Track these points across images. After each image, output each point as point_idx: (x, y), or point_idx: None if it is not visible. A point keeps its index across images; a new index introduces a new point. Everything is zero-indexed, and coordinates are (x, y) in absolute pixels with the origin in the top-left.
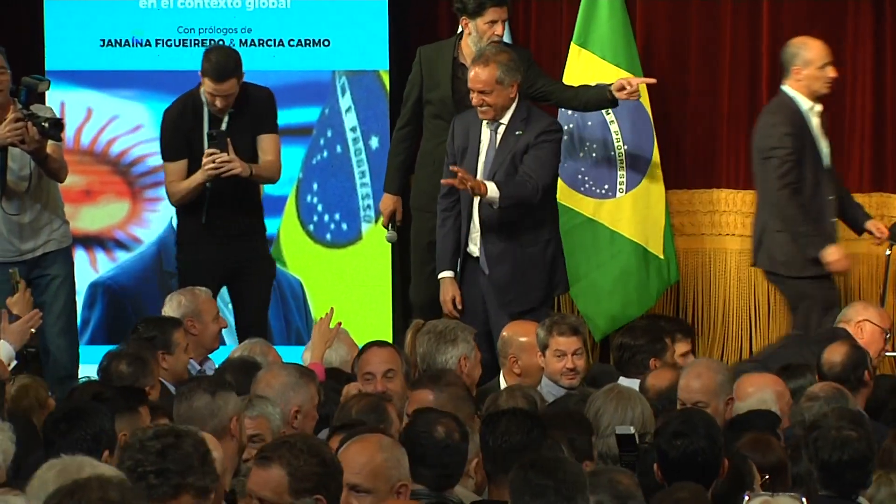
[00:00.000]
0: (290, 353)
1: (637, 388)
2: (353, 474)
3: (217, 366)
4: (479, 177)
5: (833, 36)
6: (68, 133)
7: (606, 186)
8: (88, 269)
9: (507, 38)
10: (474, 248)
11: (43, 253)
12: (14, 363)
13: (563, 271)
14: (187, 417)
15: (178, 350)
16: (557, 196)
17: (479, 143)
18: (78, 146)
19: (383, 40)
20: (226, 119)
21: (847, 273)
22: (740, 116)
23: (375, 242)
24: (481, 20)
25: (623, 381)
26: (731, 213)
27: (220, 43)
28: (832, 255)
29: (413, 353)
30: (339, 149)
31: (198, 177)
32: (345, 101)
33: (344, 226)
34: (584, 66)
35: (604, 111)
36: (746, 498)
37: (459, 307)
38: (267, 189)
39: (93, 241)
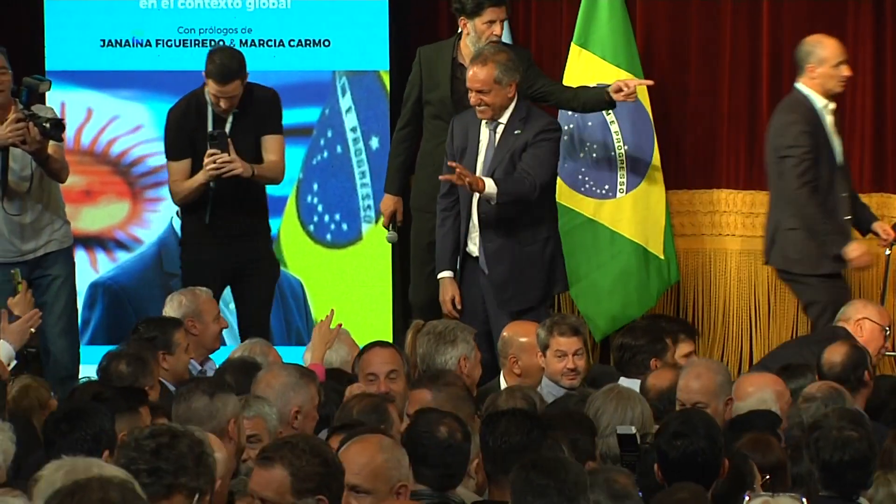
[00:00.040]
0: (291, 354)
1: (638, 389)
2: (353, 475)
3: (218, 366)
4: (478, 175)
5: (833, 36)
6: (68, 133)
7: (607, 187)
8: (89, 270)
9: (507, 39)
10: (473, 248)
11: (44, 253)
12: (14, 363)
13: (563, 270)
14: (185, 419)
15: (178, 350)
16: (558, 197)
17: (479, 142)
18: (78, 146)
19: (383, 40)
20: (230, 119)
21: (869, 268)
22: (740, 116)
23: (376, 243)
24: (479, 20)
25: (624, 381)
26: (732, 213)
27: (221, 43)
28: (854, 251)
29: (413, 354)
30: (339, 149)
31: (200, 177)
32: (345, 102)
33: (344, 226)
34: (584, 67)
35: (604, 112)
36: (747, 498)
37: (459, 307)
38: (267, 189)
39: (93, 242)
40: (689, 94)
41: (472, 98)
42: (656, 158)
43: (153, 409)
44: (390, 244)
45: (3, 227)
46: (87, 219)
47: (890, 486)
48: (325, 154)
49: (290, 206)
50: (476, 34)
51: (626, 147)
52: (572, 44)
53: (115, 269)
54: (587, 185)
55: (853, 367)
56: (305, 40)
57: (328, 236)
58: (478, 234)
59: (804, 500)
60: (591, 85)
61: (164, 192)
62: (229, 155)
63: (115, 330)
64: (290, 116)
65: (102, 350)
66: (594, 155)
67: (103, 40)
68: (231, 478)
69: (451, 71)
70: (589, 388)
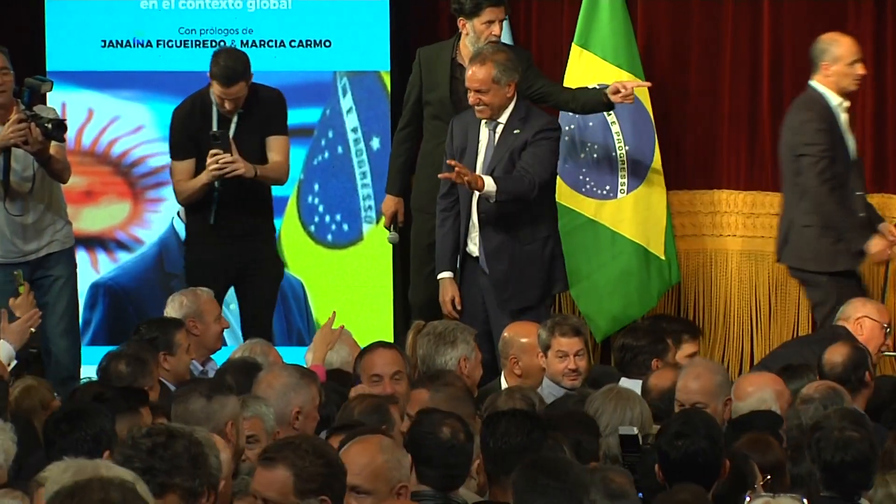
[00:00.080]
0: (292, 354)
1: (639, 389)
2: (354, 475)
3: (219, 366)
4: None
5: None
6: (69, 134)
7: (608, 187)
8: (90, 270)
9: (508, 39)
10: (474, 248)
11: (46, 254)
12: (14, 363)
13: (562, 269)
14: (183, 420)
15: (179, 351)
16: (559, 197)
17: (478, 142)
18: (79, 147)
19: (384, 41)
20: (235, 120)
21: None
22: (741, 117)
23: (376, 243)
24: (478, 20)
25: (625, 381)
26: (732, 213)
27: (222, 44)
28: (877, 245)
29: (414, 355)
30: (340, 149)
31: (203, 177)
32: (346, 102)
33: (345, 226)
34: (585, 67)
35: (605, 112)
36: (748, 499)
37: (458, 308)
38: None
39: (94, 242)
40: (690, 95)
41: (471, 97)
42: (657, 159)
43: (153, 409)
44: (391, 245)
45: (4, 227)
46: (88, 219)
47: (888, 486)
48: (326, 154)
49: (291, 207)
50: (475, 34)
51: (627, 148)
52: (573, 44)
53: (115, 269)
54: (588, 186)
55: (854, 367)
56: (306, 41)
57: (329, 237)
58: (477, 233)
59: (805, 500)
60: (592, 86)
61: (165, 192)
62: (231, 155)
63: (116, 330)
64: (291, 117)
65: (103, 350)
66: (595, 156)
67: (104, 41)
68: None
69: (451, 71)
70: (588, 389)
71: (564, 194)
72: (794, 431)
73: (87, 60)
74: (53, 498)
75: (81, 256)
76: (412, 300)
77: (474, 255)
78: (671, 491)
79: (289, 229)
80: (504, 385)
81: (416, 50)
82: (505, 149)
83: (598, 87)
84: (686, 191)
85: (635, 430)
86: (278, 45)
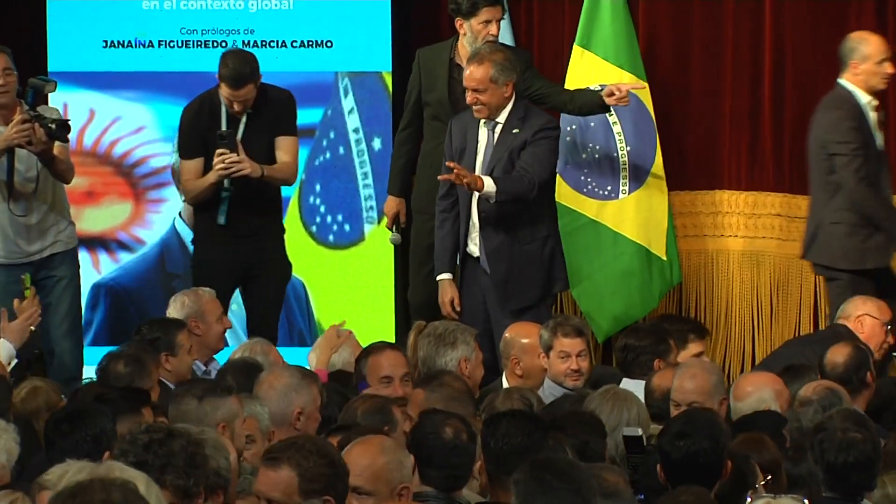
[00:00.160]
0: (293, 355)
1: (641, 390)
2: (355, 476)
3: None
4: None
5: (835, 36)
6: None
7: (609, 188)
8: (91, 271)
9: (509, 40)
10: (474, 248)
11: (50, 254)
12: (14, 361)
13: (563, 268)
14: (177, 421)
15: (181, 352)
16: (560, 198)
17: (477, 142)
18: (80, 147)
19: (386, 41)
20: (243, 120)
21: None
22: (742, 117)
23: (378, 244)
24: (476, 20)
25: (627, 381)
26: (734, 214)
27: (224, 45)
28: None
29: (414, 356)
30: (341, 150)
31: (210, 176)
32: (347, 103)
33: (346, 227)
34: (586, 68)
35: (606, 113)
36: (749, 500)
37: (458, 309)
38: None
39: (95, 243)
40: (691, 95)
41: (469, 97)
42: (658, 160)
43: (154, 409)
44: (393, 245)
45: (8, 228)
46: (90, 220)
47: (885, 487)
48: (328, 155)
49: (293, 207)
50: (472, 34)
51: (628, 149)
52: (575, 45)
53: (117, 269)
54: (589, 187)
55: (855, 367)
56: (308, 41)
57: (330, 237)
58: (478, 233)
59: (806, 501)
60: (594, 86)
61: (167, 193)
62: (238, 155)
63: (118, 331)
64: None
65: (105, 351)
66: (596, 156)
67: (106, 41)
68: None
69: (449, 72)
70: (587, 389)
71: (566, 195)
72: (793, 433)
73: (89, 61)
74: (55, 498)
75: (83, 257)
76: (411, 300)
77: (475, 256)
78: (675, 492)
79: (290, 230)
80: (506, 386)
81: (417, 50)
82: (504, 148)
83: (598, 87)
84: (687, 191)
85: (640, 432)
86: (280, 45)
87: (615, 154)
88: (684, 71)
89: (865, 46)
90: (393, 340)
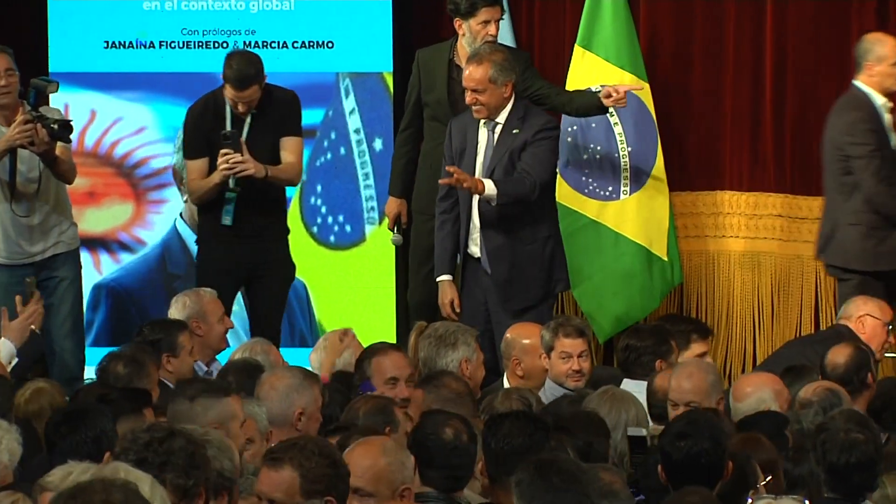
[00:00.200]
0: (294, 355)
1: (643, 390)
2: (356, 478)
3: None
4: (477, 176)
5: (836, 36)
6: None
7: (610, 188)
8: (92, 271)
9: (510, 41)
10: (475, 249)
11: (52, 255)
12: (15, 360)
13: (564, 268)
14: (173, 422)
15: (182, 353)
16: (562, 198)
17: (477, 143)
18: (82, 148)
19: (387, 42)
20: (248, 120)
21: None
22: (744, 117)
23: (379, 244)
24: (474, 21)
25: (628, 382)
26: (735, 214)
27: (225, 45)
28: None
29: (415, 357)
30: (342, 151)
31: (215, 176)
32: (348, 103)
33: (347, 227)
34: (587, 68)
35: (608, 114)
36: (750, 500)
37: (458, 310)
38: None
39: (97, 243)
40: (693, 95)
41: (468, 97)
42: (660, 160)
43: (154, 410)
44: (394, 246)
45: (10, 228)
46: (91, 220)
47: (885, 488)
48: (329, 156)
49: (294, 208)
50: (471, 35)
51: (629, 149)
52: (576, 45)
53: (118, 270)
54: (591, 187)
55: (856, 368)
56: (309, 42)
57: (331, 238)
58: (479, 234)
59: (807, 502)
60: (595, 87)
61: (168, 193)
62: (242, 155)
63: (119, 332)
64: None
65: (106, 352)
66: (598, 157)
67: (107, 42)
68: None
69: (448, 72)
70: (587, 390)
71: (567, 195)
72: (794, 434)
73: (90, 62)
74: (56, 499)
75: (84, 257)
76: (410, 301)
77: (476, 256)
78: (680, 493)
79: (291, 230)
80: (507, 386)
81: (416, 51)
82: (504, 149)
83: (598, 88)
84: (689, 192)
85: (644, 432)
86: (281, 46)
87: (616, 155)
88: (685, 71)
89: (881, 48)
90: (394, 341)
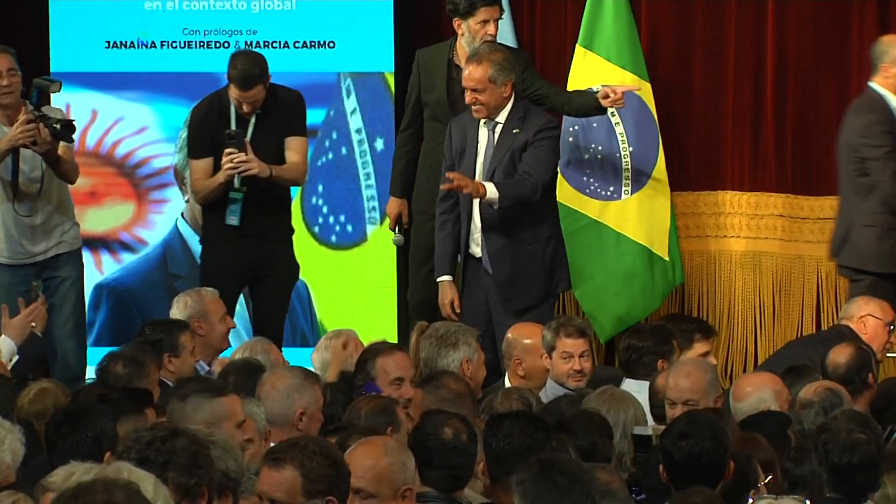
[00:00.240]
0: (296, 355)
1: (644, 390)
2: (358, 478)
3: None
4: (478, 177)
5: (837, 37)
6: None
7: (612, 188)
8: (94, 271)
9: (511, 41)
10: (476, 249)
11: (54, 255)
12: (16, 358)
13: (565, 269)
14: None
15: (184, 353)
16: (563, 198)
17: (477, 143)
18: (83, 148)
19: (388, 42)
20: (253, 120)
21: None
22: (745, 117)
23: (380, 244)
24: (473, 20)
25: (628, 382)
26: (736, 214)
27: (226, 45)
28: None
29: (416, 357)
30: (344, 150)
31: (219, 176)
32: (350, 103)
33: (349, 227)
34: (589, 68)
35: (609, 114)
36: (751, 500)
37: (458, 311)
38: None
39: (98, 243)
40: (694, 95)
41: (468, 97)
42: (661, 160)
43: (155, 410)
44: (395, 246)
45: (13, 228)
46: (92, 220)
47: (885, 488)
48: (330, 155)
49: (295, 208)
50: (470, 34)
51: (630, 149)
52: (577, 45)
53: (119, 270)
54: (592, 187)
55: (857, 368)
56: (310, 42)
57: (333, 238)
58: (480, 234)
59: (808, 502)
60: (596, 87)
61: (169, 193)
62: (246, 154)
63: (120, 331)
64: None
65: (107, 351)
66: (599, 157)
67: (108, 42)
68: None
69: (447, 72)
70: (587, 390)
71: (568, 196)
72: (796, 434)
73: (91, 61)
74: (57, 499)
75: (86, 257)
76: (410, 300)
77: (477, 256)
78: (683, 493)
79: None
80: (508, 386)
81: (416, 51)
82: (504, 149)
83: (599, 88)
84: (690, 192)
85: (650, 431)
86: (282, 46)
87: (618, 155)
88: (686, 71)
89: None
90: (395, 341)
